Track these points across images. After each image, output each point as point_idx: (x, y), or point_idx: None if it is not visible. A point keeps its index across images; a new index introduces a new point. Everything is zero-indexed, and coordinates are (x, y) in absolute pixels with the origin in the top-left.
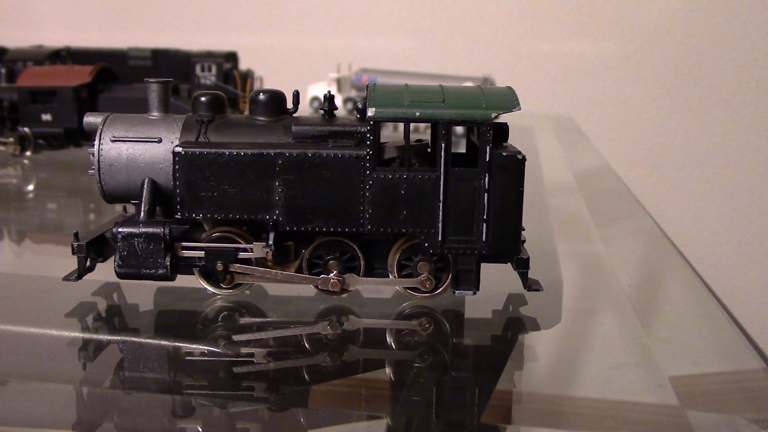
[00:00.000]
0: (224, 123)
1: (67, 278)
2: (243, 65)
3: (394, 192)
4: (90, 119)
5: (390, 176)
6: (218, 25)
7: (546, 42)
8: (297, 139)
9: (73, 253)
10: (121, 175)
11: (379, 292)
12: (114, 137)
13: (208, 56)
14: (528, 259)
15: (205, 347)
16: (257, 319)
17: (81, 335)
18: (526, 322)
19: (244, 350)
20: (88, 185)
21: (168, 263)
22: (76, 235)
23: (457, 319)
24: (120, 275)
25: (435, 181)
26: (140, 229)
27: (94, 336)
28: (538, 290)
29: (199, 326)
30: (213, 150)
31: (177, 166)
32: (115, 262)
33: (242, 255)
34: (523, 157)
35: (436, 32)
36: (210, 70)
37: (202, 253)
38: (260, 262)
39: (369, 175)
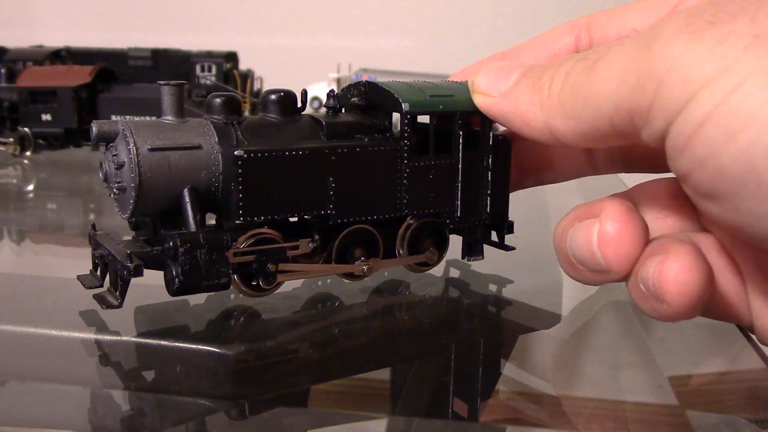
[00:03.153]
0: (251, 124)
1: (108, 306)
2: (243, 65)
3: (425, 177)
4: (104, 128)
5: (422, 163)
6: (218, 25)
7: None
8: (330, 135)
9: (131, 275)
10: (160, 185)
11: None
12: (151, 146)
13: (208, 56)
14: (513, 223)
15: (206, 348)
16: (276, 316)
17: (82, 335)
18: (526, 322)
19: (247, 350)
20: (88, 185)
21: (230, 271)
22: (130, 255)
23: (457, 319)
24: (179, 292)
25: (454, 165)
26: (202, 240)
27: (96, 336)
28: (513, 249)
29: (201, 327)
30: (276, 150)
31: (240, 170)
32: (175, 278)
33: (289, 253)
34: (510, 138)
35: (436, 32)
36: (210, 70)
37: (252, 257)
38: (294, 259)
39: (406, 164)
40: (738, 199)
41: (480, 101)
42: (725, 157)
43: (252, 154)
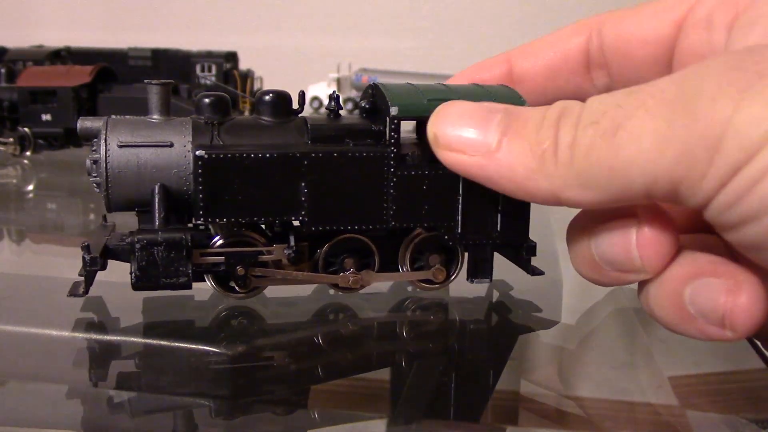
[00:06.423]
0: (235, 125)
1: (73, 294)
2: (243, 65)
3: (417, 188)
4: (87, 124)
5: (413, 173)
6: (218, 25)
7: None
8: (315, 139)
9: (86, 267)
10: (129, 181)
11: (376, 288)
12: (121, 142)
13: (208, 56)
14: (535, 245)
15: (205, 348)
16: (273, 322)
17: (81, 335)
18: (526, 322)
19: (247, 351)
20: (88, 185)
21: (190, 271)
22: (87, 247)
23: (457, 319)
24: (137, 287)
25: (454, 176)
26: (160, 237)
27: (94, 336)
28: (542, 273)
29: (199, 328)
30: (237, 152)
31: (200, 171)
32: (132, 273)
33: (263, 258)
34: None
35: (436, 32)
36: (210, 70)
37: (221, 259)
38: (276, 264)
39: (393, 172)
40: None
41: (453, 160)
42: None
43: (213, 155)
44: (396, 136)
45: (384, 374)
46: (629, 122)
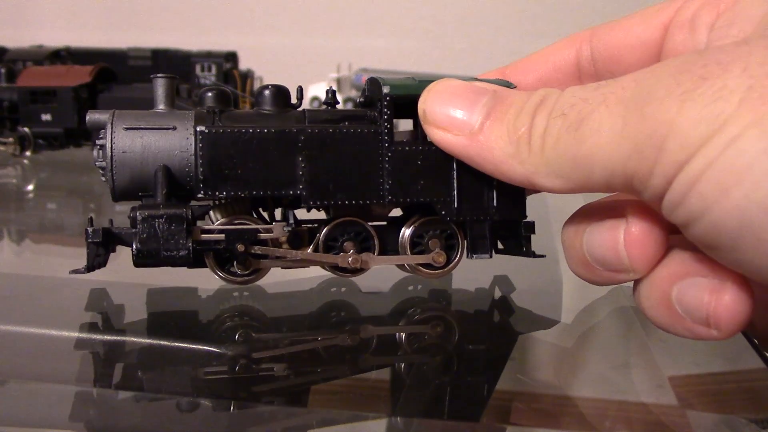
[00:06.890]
0: (237, 113)
1: (75, 271)
2: (243, 65)
3: (412, 164)
4: (95, 116)
5: (407, 149)
6: (218, 25)
7: (546, 41)
8: (312, 123)
9: (88, 238)
10: (134, 163)
11: (377, 288)
12: (127, 126)
13: (208, 56)
14: (534, 223)
15: (206, 348)
16: (272, 333)
17: (81, 335)
18: (526, 322)
19: (248, 351)
20: (88, 185)
21: (190, 244)
22: (90, 219)
23: (457, 320)
24: (138, 263)
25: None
26: (161, 210)
27: (95, 336)
28: (543, 256)
29: (199, 327)
30: (237, 128)
31: (201, 145)
32: (134, 247)
33: (263, 236)
34: None
35: (436, 32)
36: (210, 70)
37: (221, 236)
38: (276, 245)
39: (387, 148)
40: (736, 252)
41: (439, 138)
42: (719, 212)
43: (213, 130)
44: (389, 112)
45: (384, 374)
46: (591, 117)
